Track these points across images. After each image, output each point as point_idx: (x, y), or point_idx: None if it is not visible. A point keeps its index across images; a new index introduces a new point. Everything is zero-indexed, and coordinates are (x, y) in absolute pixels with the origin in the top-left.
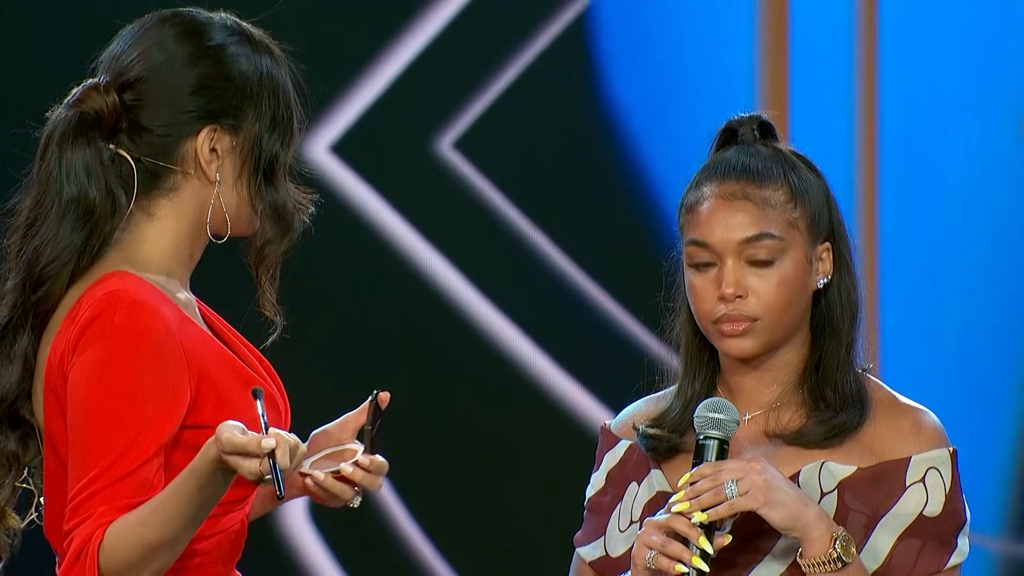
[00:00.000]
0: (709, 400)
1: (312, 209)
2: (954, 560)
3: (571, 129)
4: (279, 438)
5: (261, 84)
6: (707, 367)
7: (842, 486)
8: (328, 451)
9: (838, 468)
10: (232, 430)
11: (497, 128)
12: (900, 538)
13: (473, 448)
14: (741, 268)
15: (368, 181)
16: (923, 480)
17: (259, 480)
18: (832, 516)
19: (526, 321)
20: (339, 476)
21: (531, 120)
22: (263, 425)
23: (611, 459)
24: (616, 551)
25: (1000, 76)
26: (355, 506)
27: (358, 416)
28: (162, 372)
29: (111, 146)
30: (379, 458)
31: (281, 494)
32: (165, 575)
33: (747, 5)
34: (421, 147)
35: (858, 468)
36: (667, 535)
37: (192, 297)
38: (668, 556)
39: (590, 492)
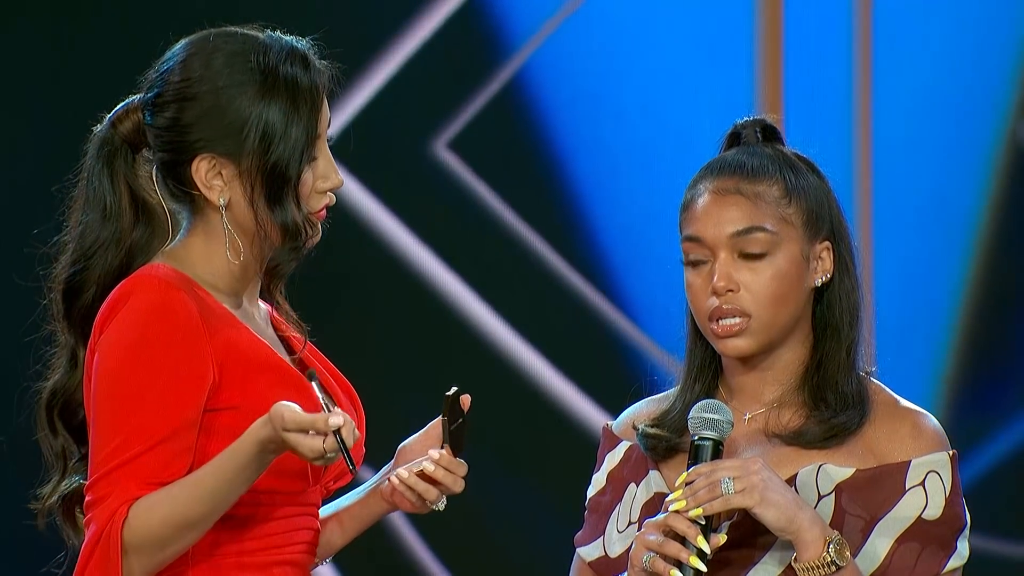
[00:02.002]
0: (704, 401)
1: (320, 232)
2: (953, 563)
3: (567, 130)
4: (344, 416)
5: (261, 115)
6: (709, 368)
7: (839, 489)
8: (416, 462)
9: (836, 471)
10: (293, 409)
11: (492, 128)
12: (899, 541)
13: (470, 449)
14: (733, 262)
15: (363, 181)
16: (923, 483)
17: (319, 458)
18: (829, 519)
19: (522, 321)
20: (422, 475)
21: (526, 120)
22: (324, 405)
23: (611, 460)
24: (614, 552)
25: (996, 79)
26: (440, 508)
27: (440, 424)
28: (181, 353)
29: (147, 163)
30: (456, 460)
31: (353, 469)
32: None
33: (745, 9)
34: (416, 147)
35: (857, 470)
36: (665, 534)
37: (255, 310)
38: (666, 555)
39: (591, 492)
